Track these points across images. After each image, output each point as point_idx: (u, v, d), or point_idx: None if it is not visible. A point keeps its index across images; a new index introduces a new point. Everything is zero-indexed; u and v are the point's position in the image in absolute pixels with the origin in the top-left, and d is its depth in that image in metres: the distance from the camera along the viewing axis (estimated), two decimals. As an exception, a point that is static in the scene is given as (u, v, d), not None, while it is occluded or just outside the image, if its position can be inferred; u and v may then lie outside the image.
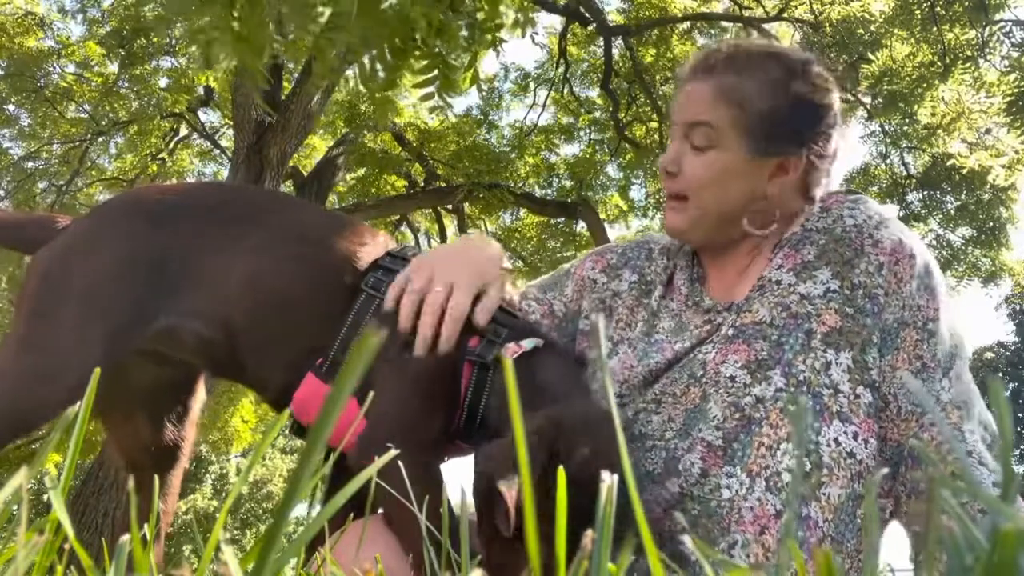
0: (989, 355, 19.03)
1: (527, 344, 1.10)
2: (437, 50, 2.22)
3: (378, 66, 2.19)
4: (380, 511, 1.06)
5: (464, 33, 2.27)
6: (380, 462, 0.45)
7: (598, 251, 1.41)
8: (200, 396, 1.29)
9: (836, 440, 1.06)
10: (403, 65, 2.23)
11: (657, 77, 7.77)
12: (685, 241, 1.28)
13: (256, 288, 1.12)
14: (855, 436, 1.07)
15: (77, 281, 1.08)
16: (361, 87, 2.26)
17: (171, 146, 9.41)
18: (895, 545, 1.14)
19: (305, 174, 8.37)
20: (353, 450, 1.04)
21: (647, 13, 7.83)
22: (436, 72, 2.24)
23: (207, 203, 1.21)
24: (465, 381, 1.09)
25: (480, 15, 2.28)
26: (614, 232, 9.36)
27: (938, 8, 6.20)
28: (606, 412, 1.01)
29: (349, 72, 2.29)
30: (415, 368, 1.08)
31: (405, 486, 0.84)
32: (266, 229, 1.17)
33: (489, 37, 2.35)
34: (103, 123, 8.58)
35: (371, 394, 1.03)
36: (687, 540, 0.50)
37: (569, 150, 9.43)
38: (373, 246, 1.19)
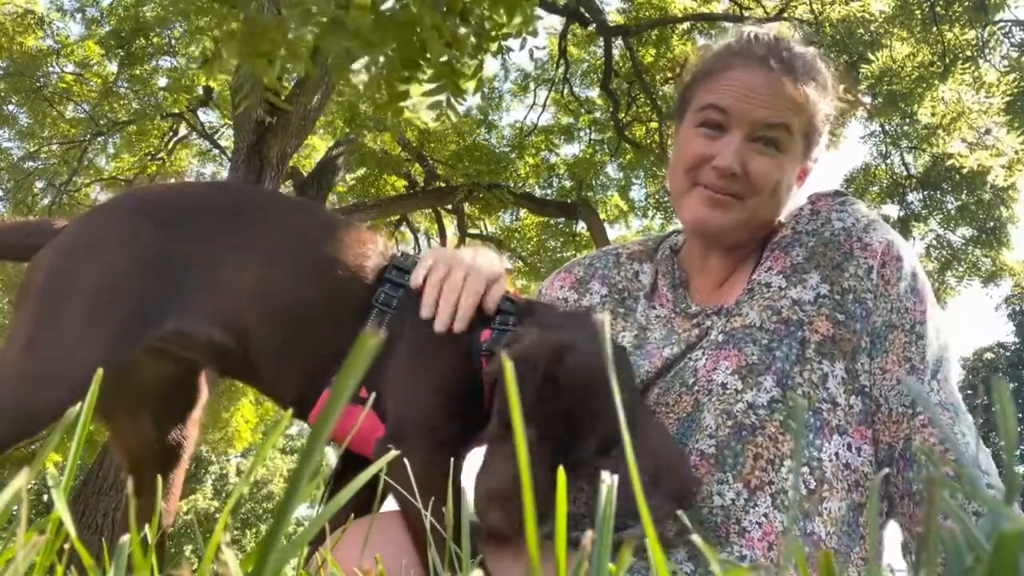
0: (989, 355, 19.03)
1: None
2: (446, 59, 2.23)
3: (391, 76, 2.22)
4: (383, 509, 1.06)
5: (472, 40, 2.28)
6: (384, 460, 0.45)
7: (565, 268, 1.40)
8: (203, 395, 1.28)
9: (836, 454, 1.06)
10: (414, 76, 2.25)
11: (657, 77, 7.76)
12: (717, 241, 1.21)
13: (267, 296, 1.12)
14: (850, 447, 1.07)
15: (82, 281, 1.07)
16: (372, 94, 2.28)
17: (170, 146, 9.40)
18: (893, 546, 1.14)
19: (305, 174, 8.37)
20: (380, 440, 1.04)
21: (647, 13, 7.83)
22: (445, 81, 2.26)
23: (214, 204, 1.20)
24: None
25: (487, 24, 2.30)
26: (614, 232, 9.36)
27: (938, 8, 6.20)
28: (593, 331, 1.05)
29: (362, 77, 2.31)
30: (434, 363, 1.10)
31: (423, 482, 0.84)
32: (274, 234, 1.17)
33: (495, 45, 2.37)
34: (102, 123, 8.57)
35: (391, 389, 1.04)
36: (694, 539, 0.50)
37: (569, 150, 9.43)
38: (376, 256, 1.19)
